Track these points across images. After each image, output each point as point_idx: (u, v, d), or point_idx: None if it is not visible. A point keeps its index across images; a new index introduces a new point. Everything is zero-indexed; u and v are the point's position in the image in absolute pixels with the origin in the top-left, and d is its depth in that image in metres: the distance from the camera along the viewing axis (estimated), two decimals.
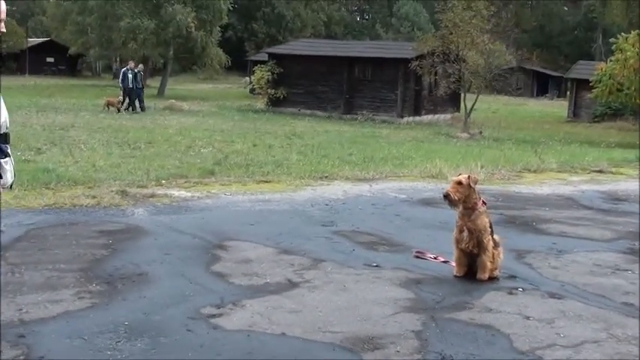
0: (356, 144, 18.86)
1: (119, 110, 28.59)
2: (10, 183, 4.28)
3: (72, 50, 57.28)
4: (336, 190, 11.23)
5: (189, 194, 10.25)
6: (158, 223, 8.23)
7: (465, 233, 6.44)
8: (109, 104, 29.02)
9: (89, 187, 10.31)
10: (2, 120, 4.26)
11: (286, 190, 10.95)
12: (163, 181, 11.16)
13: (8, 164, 4.24)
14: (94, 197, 9.53)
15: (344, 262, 6.87)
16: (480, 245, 6.40)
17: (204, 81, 63.03)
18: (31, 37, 70.82)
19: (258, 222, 8.58)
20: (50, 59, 69.16)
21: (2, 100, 4.31)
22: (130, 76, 29.62)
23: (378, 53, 35.12)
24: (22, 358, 4.51)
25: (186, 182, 11.25)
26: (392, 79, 33.13)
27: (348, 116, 32.91)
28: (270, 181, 11.75)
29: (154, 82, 48.21)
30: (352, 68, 34.20)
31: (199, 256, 6.94)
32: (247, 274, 6.32)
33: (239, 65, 62.36)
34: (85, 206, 9.07)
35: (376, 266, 6.79)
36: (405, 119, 32.57)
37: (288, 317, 5.30)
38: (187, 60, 50.87)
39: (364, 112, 32.96)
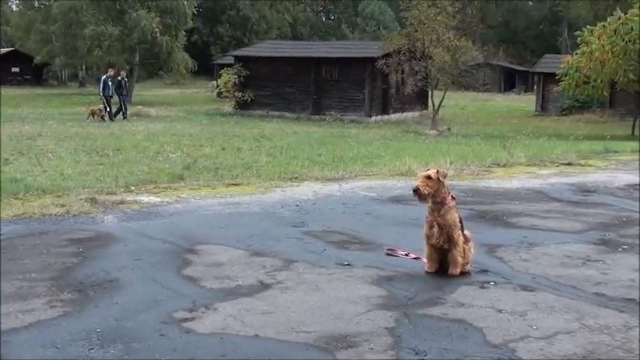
0: (325, 144, 18.87)
1: (103, 118, 28.15)
2: None
3: (37, 59, 56.82)
4: (306, 190, 11.23)
5: (158, 199, 10.20)
6: (128, 230, 8.18)
7: (435, 229, 6.44)
8: (93, 113, 28.55)
9: (58, 196, 10.21)
10: None
11: (256, 193, 10.93)
12: (132, 188, 11.08)
13: None
14: (63, 206, 9.44)
15: (316, 262, 6.87)
16: (450, 240, 6.40)
17: (170, 86, 62.73)
18: None
19: (228, 225, 8.56)
20: (15, 69, 68.37)
21: None
22: (110, 83, 29.18)
23: (345, 53, 35.20)
24: None
25: (155, 188, 11.19)
26: (359, 78, 33.22)
27: (316, 117, 32.94)
28: (239, 184, 11.71)
29: None
30: (319, 69, 34.22)
31: (170, 260, 6.91)
32: (219, 278, 6.30)
33: (205, 69, 62.15)
34: (55, 215, 8.98)
35: (348, 265, 6.80)
36: (374, 118, 32.68)
37: (261, 319, 5.29)
38: (153, 65, 50.74)
39: (332, 112, 33.01)
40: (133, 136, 20.00)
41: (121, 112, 29.72)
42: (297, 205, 9.92)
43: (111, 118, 28.54)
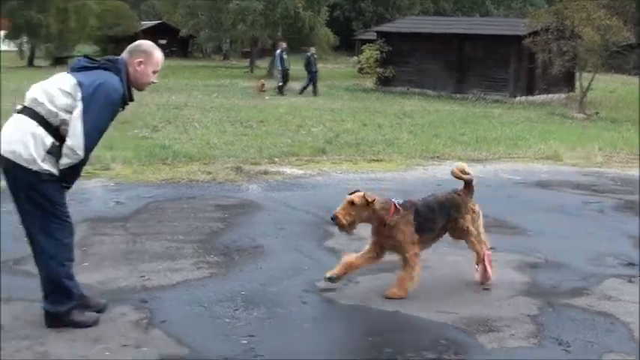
0: (467, 124, 18.48)
1: (281, 92, 28.36)
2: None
3: (183, 32, 58.41)
4: (448, 170, 11.06)
5: (301, 172, 10.39)
6: (271, 199, 8.38)
7: (385, 252, 5.48)
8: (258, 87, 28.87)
9: (204, 164, 10.60)
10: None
11: (397, 170, 10.92)
12: (276, 159, 11.34)
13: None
14: (209, 173, 9.82)
15: (457, 244, 6.80)
16: (403, 259, 5.38)
17: None
18: (143, 21, 72.70)
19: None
20: (162, 41, 70.57)
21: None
22: (286, 57, 29.51)
23: (489, 30, 34.34)
24: (145, 321, 4.71)
25: (297, 160, 11.40)
26: (504, 57, 32.29)
27: (458, 95, 32.35)
28: (380, 160, 11.73)
29: (262, 63, 48.88)
30: (462, 46, 33.52)
31: (312, 231, 7.03)
32: (359, 251, 6.34)
33: (347, 45, 62.32)
34: (201, 181, 9.37)
35: (491, 249, 6.68)
36: (518, 99, 31.77)
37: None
38: (296, 40, 51.25)
39: (475, 91, 32.33)
40: (276, 110, 20.27)
41: (311, 88, 29.78)
42: (438, 185, 9.78)
43: (280, 92, 28.67)
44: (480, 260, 5.74)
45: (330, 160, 11.49)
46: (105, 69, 4.46)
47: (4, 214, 6.88)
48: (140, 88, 4.66)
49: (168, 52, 67.91)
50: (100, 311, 4.76)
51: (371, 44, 35.94)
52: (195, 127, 15.40)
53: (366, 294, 5.27)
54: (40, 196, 4.33)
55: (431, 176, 10.48)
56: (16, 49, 54.26)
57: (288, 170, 10.43)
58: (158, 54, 4.70)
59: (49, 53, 50.93)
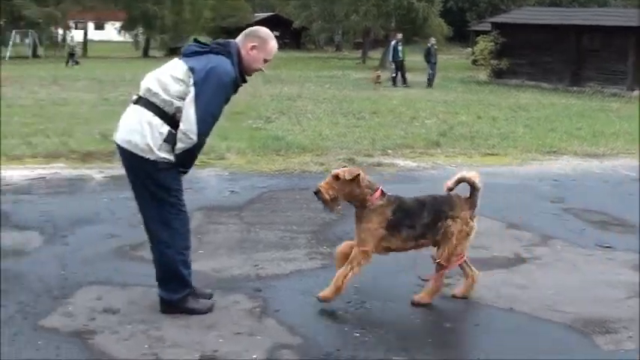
0: (584, 118, 17.92)
1: (394, 83, 28.41)
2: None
3: (296, 24, 58.97)
4: (565, 165, 10.84)
5: (414, 164, 10.36)
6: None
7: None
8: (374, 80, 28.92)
9: (317, 155, 10.71)
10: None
11: (512, 164, 10.73)
12: (389, 151, 11.33)
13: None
14: (322, 164, 9.92)
15: (574, 241, 6.65)
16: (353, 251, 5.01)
17: None
18: (257, 12, 73.81)
19: (484, 195, 8.43)
20: (276, 33, 70.87)
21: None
22: (400, 48, 29.31)
23: (607, 21, 33.12)
24: (258, 310, 4.82)
25: (411, 152, 11.36)
26: (622, 49, 31.07)
27: (574, 88, 31.40)
28: (496, 154, 11.54)
29: (375, 54, 48.83)
30: (579, 37, 32.49)
31: None
32: (475, 247, 6.18)
33: (460, 36, 61.47)
34: (314, 172, 9.47)
35: (608, 247, 6.49)
36: (636, 92, 30.54)
37: (517, 293, 5.24)
38: (409, 31, 50.89)
39: (592, 84, 31.30)
40: (389, 101, 20.20)
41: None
42: (554, 180, 9.60)
43: (395, 83, 28.45)
44: (437, 276, 5.06)
45: (444, 153, 11.40)
46: (216, 53, 4.49)
47: (122, 200, 7.17)
48: (248, 74, 4.66)
49: (281, 44, 68.27)
50: None
51: (485, 35, 35.34)
52: (308, 118, 15.55)
53: (478, 290, 5.19)
54: (157, 184, 4.44)
55: (547, 171, 10.25)
56: (131, 40, 56.11)
57: (401, 162, 10.42)
58: (273, 43, 4.72)
59: (164, 44, 52.41)
